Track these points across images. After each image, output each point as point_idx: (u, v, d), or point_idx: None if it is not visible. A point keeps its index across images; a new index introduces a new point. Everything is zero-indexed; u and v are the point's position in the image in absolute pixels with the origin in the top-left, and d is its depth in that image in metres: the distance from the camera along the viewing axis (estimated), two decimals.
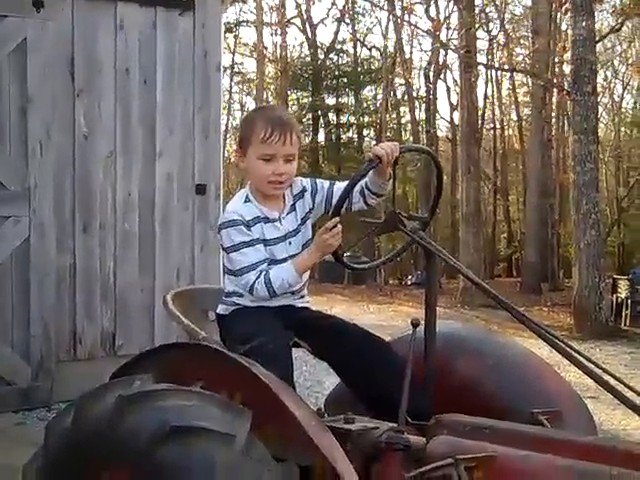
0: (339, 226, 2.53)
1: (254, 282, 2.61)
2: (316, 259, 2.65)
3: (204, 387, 2.08)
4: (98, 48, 6.06)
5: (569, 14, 14.23)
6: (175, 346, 2.35)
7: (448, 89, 33.77)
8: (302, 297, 2.83)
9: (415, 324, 2.57)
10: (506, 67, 27.21)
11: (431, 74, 32.05)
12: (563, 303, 17.55)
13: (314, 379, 7.13)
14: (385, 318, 14.61)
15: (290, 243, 2.73)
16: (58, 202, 5.89)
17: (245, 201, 2.71)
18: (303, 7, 32.17)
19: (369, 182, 2.73)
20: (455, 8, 22.78)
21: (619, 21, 19.28)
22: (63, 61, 5.92)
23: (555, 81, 20.58)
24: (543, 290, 21.76)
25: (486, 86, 34.33)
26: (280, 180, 2.68)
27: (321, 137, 33.04)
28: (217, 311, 2.79)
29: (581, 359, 2.26)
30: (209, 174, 6.51)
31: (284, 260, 2.68)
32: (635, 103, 35.64)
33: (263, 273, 2.61)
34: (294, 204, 2.79)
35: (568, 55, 15.18)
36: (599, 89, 14.25)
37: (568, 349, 2.27)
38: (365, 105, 33.70)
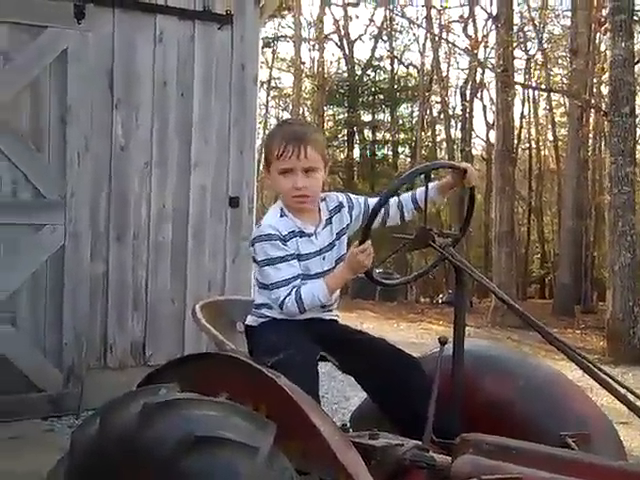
0: (371, 246, 2.54)
1: (285, 298, 2.61)
2: (348, 278, 2.67)
3: (229, 398, 2.08)
4: (137, 60, 6.12)
5: (608, 34, 14.11)
6: (202, 356, 2.35)
7: (484, 108, 33.48)
8: (330, 310, 2.83)
9: (443, 342, 2.56)
10: (543, 87, 27.03)
11: (467, 92, 31.97)
12: (596, 326, 17.29)
13: (341, 395, 7.10)
14: (415, 335, 14.52)
15: (324, 258, 2.74)
16: (94, 211, 5.95)
17: (281, 215, 2.73)
18: (341, 23, 32.32)
19: (418, 196, 2.76)
20: (493, 27, 22.73)
21: None
22: (102, 72, 5.99)
23: (593, 102, 20.40)
24: (576, 312, 21.47)
25: (523, 105, 34.01)
26: (302, 194, 2.69)
27: (356, 153, 33.07)
28: (246, 322, 2.80)
29: (613, 383, 2.22)
30: (243, 187, 6.53)
31: (317, 275, 2.69)
32: None
33: (295, 289, 2.62)
34: (330, 218, 2.81)
35: (606, 76, 15.07)
36: (637, 111, 14.12)
37: (600, 373, 2.23)
38: (401, 122, 33.67)
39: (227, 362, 2.26)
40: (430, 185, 2.69)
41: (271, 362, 2.40)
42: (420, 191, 2.83)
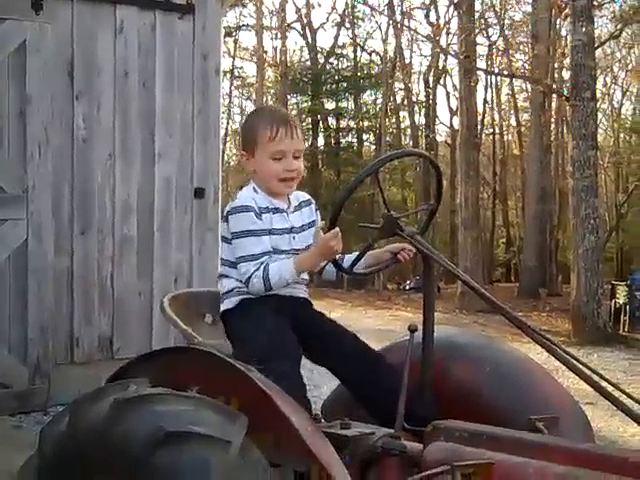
0: (340, 234, 2.54)
1: (252, 273, 2.60)
2: (317, 262, 2.67)
3: (200, 392, 2.07)
4: (97, 51, 6.06)
5: (569, 20, 14.25)
6: (171, 350, 2.34)
7: (448, 94, 33.75)
8: (302, 287, 2.81)
9: (412, 330, 2.57)
10: (505, 73, 27.21)
11: (431, 79, 32.11)
12: (561, 309, 17.53)
13: (311, 383, 7.11)
14: (383, 323, 14.61)
15: (294, 238, 2.74)
16: (56, 205, 5.88)
17: (255, 192, 2.73)
18: (303, 11, 32.25)
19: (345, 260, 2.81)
20: (455, 13, 22.82)
21: (618, 27, 19.31)
22: (62, 63, 5.92)
23: (554, 87, 20.59)
24: (541, 295, 21.73)
25: (485, 91, 34.23)
26: (292, 176, 2.71)
27: (320, 141, 33.06)
28: (222, 309, 2.75)
29: (578, 365, 2.25)
30: (208, 178, 6.51)
31: (286, 252, 2.68)
32: (634, 109, 35.62)
33: (263, 266, 2.60)
34: (300, 207, 2.82)
35: (567, 61, 15.21)
36: (598, 95, 14.26)
37: (565, 355, 2.25)
38: (365, 109, 33.71)
39: (197, 356, 2.25)
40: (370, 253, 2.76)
41: (257, 369, 2.37)
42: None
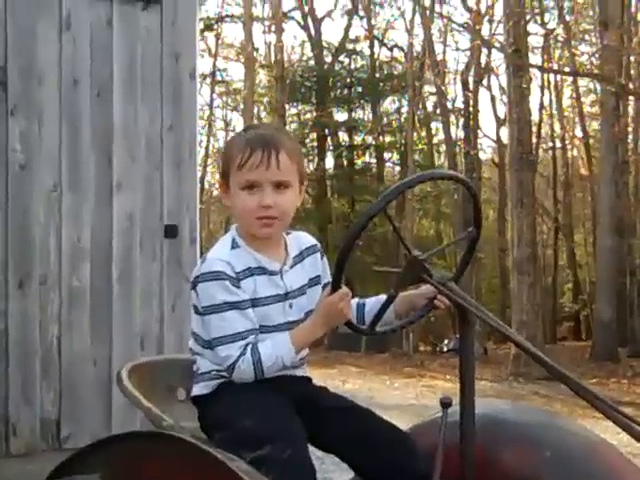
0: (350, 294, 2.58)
1: (237, 359, 2.58)
2: (321, 333, 2.68)
3: None
4: (37, 53, 6.11)
5: None
6: (130, 436, 2.33)
7: (493, 99, 33.85)
8: (302, 364, 2.82)
9: (446, 403, 2.56)
10: (567, 69, 27.40)
11: (470, 80, 32.32)
12: None
13: (321, 476, 7.07)
14: (414, 395, 14.54)
15: (291, 306, 2.73)
16: None
17: (233, 247, 2.71)
18: None
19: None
20: None
21: None
22: None
23: (631, 86, 20.71)
24: (621, 357, 21.63)
25: (542, 94, 34.52)
26: (268, 214, 2.67)
27: (329, 163, 33.23)
28: (194, 392, 2.76)
29: None
30: (182, 212, 6.52)
31: (279, 327, 2.68)
32: None
33: (251, 347, 2.59)
34: (302, 257, 2.82)
35: None
36: None
37: None
38: (386, 121, 33.91)
39: (165, 443, 2.25)
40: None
41: (251, 458, 2.37)
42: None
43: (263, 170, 2.65)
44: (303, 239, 2.86)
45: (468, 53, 31.59)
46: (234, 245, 2.71)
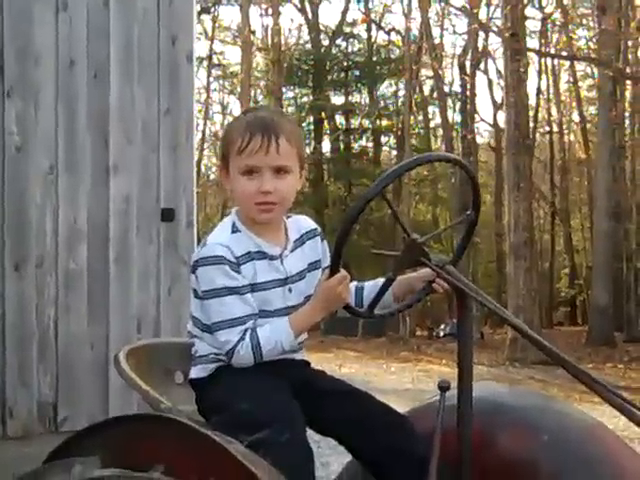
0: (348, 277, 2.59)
1: (236, 344, 2.59)
2: (320, 317, 2.68)
3: (166, 472, 2.06)
4: (34, 34, 6.09)
5: None
6: (128, 419, 2.33)
7: (490, 83, 33.87)
8: (301, 349, 2.83)
9: (444, 387, 2.56)
10: (564, 54, 27.36)
11: (468, 64, 32.29)
12: None
13: (317, 460, 7.09)
14: (410, 380, 14.58)
15: (290, 290, 2.74)
16: None
17: (233, 231, 2.71)
18: None
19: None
20: None
21: None
22: None
23: (628, 71, 20.69)
24: (617, 342, 21.69)
25: (539, 78, 34.49)
26: (268, 200, 2.67)
27: (326, 147, 33.22)
28: (192, 375, 2.76)
29: None
30: (179, 195, 6.52)
31: (279, 312, 2.68)
32: None
33: (250, 333, 2.60)
34: (302, 241, 2.81)
35: None
36: None
37: None
38: (382, 105, 33.89)
39: (163, 425, 2.25)
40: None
41: (249, 441, 2.37)
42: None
43: (262, 155, 2.64)
44: (303, 223, 2.86)
45: (466, 37, 31.58)
46: (234, 229, 2.71)
